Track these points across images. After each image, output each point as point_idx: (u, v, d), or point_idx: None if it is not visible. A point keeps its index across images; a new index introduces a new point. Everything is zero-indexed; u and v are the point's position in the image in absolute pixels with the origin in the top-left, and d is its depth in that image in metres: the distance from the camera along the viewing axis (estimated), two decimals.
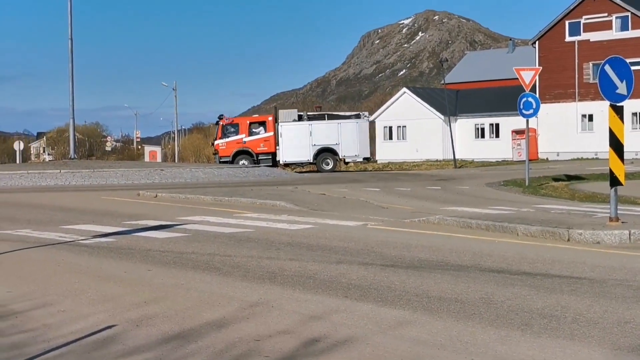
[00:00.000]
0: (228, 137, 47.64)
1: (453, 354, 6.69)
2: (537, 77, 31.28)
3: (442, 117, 66.35)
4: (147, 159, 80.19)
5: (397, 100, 72.09)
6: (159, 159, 79.14)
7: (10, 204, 23.22)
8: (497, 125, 67.64)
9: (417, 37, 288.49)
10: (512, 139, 62.58)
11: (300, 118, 48.96)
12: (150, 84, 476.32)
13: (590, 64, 60.62)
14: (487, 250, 12.60)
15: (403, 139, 70.84)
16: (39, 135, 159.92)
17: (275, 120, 48.22)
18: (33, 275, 10.98)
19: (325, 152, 48.36)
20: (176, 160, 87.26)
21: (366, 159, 51.61)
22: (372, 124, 73.83)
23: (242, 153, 47.71)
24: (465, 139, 68.40)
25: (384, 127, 71.94)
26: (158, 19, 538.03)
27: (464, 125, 69.32)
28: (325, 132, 48.23)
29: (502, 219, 16.02)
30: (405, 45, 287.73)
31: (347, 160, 49.93)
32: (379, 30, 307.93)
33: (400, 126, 70.85)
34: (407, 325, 7.67)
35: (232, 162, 46.46)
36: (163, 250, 13.05)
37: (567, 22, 63.18)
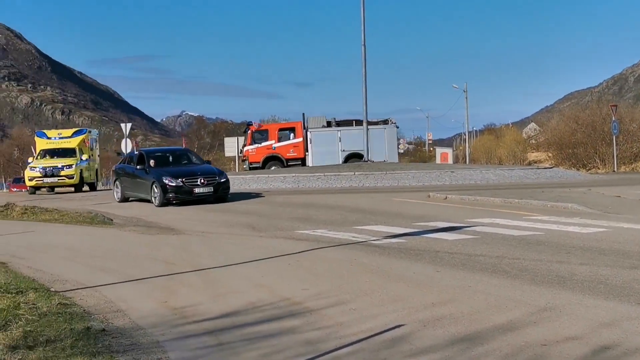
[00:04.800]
0: (258, 143, 47.45)
1: None
2: None
3: None
4: (438, 160, 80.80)
5: None
6: (450, 161, 79.49)
7: (308, 205, 24.32)
8: None
9: None
10: None
11: (329, 124, 48.25)
12: (441, 86, 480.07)
13: None
14: None
15: None
16: None
17: (304, 127, 47.80)
18: (327, 273, 11.49)
19: (354, 158, 47.26)
20: (467, 162, 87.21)
21: None
22: None
23: (272, 159, 47.53)
24: None
25: None
26: (447, 20, 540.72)
27: None
28: (353, 138, 47.37)
29: None
30: None
31: None
32: None
33: None
34: None
35: (262, 168, 46.35)
36: (451, 251, 13.17)
37: None
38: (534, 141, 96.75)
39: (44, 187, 40.44)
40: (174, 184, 25.59)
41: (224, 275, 11.77)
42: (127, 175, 28.66)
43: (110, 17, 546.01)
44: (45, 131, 45.95)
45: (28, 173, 40.15)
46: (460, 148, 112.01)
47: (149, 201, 26.49)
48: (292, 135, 48.18)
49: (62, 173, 39.50)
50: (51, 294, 10.26)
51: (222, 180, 26.48)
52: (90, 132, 45.99)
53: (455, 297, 9.43)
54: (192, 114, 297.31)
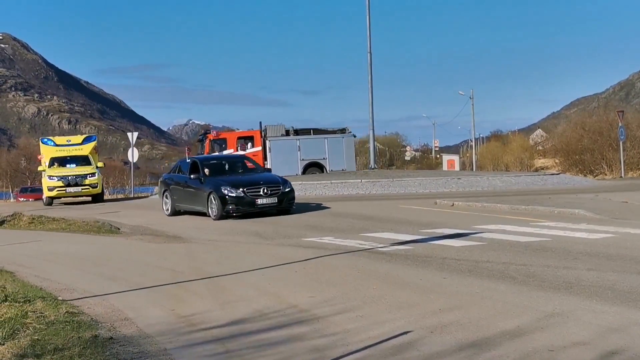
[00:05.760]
0: (216, 152, 46.20)
1: None
2: None
3: None
4: (445, 167, 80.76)
5: None
6: (456, 168, 79.45)
7: (314, 213, 24.31)
8: None
9: None
10: None
11: (287, 133, 48.18)
12: (447, 93, 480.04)
13: None
14: None
15: None
16: None
17: (261, 135, 47.49)
18: (334, 281, 11.49)
19: (313, 167, 47.38)
20: (474, 169, 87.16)
21: None
22: None
23: None
24: None
25: None
26: (453, 27, 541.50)
27: None
28: (312, 147, 47.43)
29: None
30: None
31: None
32: None
33: None
34: None
35: None
36: (458, 258, 13.17)
37: None
38: (540, 148, 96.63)
39: (66, 197, 38.13)
40: (234, 195, 23.44)
41: (231, 283, 11.79)
42: (178, 186, 26.22)
43: (116, 27, 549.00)
44: (51, 138, 42.81)
45: (47, 182, 37.60)
46: (467, 155, 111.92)
47: (204, 214, 24.29)
48: (250, 144, 47.50)
49: (87, 182, 37.44)
50: (59, 302, 10.27)
51: (287, 190, 24.26)
52: (96, 139, 44.14)
53: (462, 303, 9.43)
54: (199, 122, 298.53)
